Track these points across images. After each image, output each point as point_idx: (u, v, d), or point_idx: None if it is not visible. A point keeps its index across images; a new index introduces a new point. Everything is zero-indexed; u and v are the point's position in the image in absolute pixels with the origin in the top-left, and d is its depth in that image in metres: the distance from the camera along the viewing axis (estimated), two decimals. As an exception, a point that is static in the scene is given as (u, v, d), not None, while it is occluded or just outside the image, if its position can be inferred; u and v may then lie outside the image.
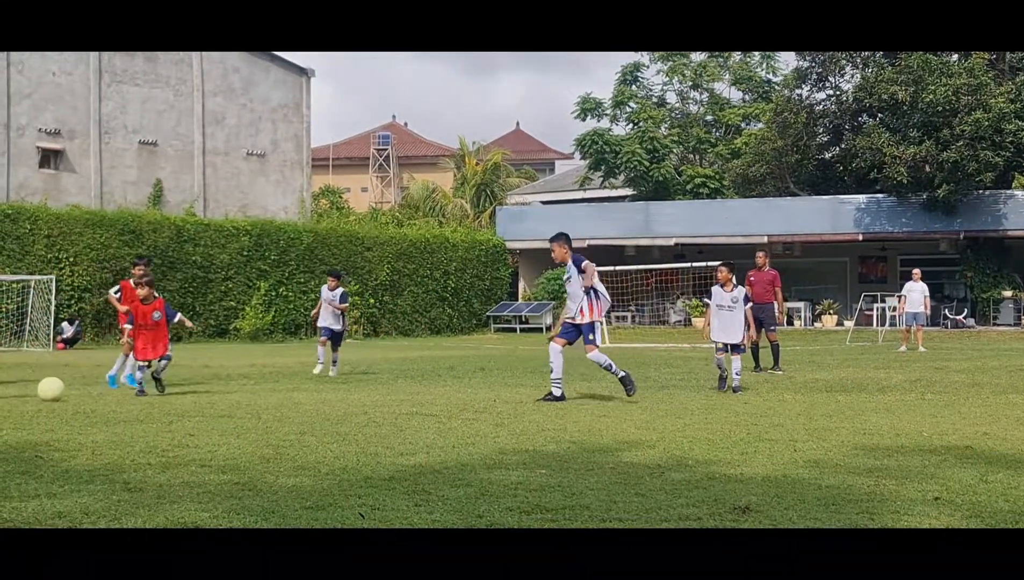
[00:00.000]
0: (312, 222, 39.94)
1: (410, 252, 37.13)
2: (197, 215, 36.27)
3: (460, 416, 10.67)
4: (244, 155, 41.84)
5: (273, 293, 32.66)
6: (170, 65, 39.59)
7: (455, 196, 55.61)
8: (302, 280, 33.59)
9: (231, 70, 41.39)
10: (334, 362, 17.00)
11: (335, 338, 17.14)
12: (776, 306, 18.00)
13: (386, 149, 69.34)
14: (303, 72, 43.80)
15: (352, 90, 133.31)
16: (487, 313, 39.43)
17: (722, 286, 13.85)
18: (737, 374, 13.72)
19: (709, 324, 14.15)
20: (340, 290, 17.41)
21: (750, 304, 14.17)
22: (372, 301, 34.97)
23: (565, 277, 12.78)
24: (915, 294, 25.11)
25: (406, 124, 79.26)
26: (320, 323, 17.24)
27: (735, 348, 13.70)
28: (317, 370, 16.92)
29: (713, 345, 14.04)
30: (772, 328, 17.68)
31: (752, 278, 17.90)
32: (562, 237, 12.66)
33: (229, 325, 31.99)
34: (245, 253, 32.56)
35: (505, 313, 38.99)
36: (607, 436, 9.11)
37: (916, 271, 25.76)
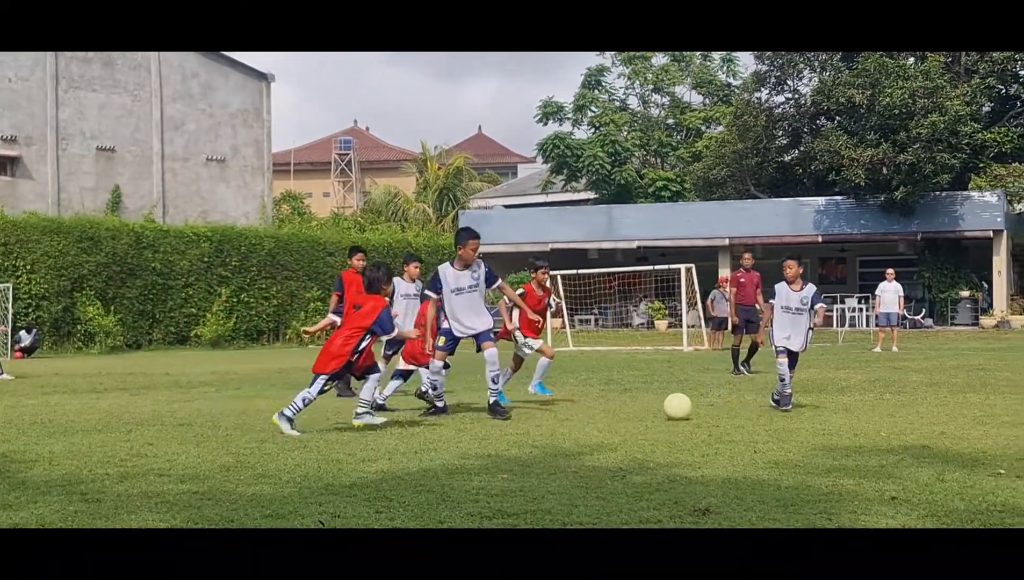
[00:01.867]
0: (273, 228, 39.74)
1: (373, 257, 37.01)
2: (156, 221, 35.99)
3: (423, 421, 10.66)
4: (204, 161, 41.57)
5: (234, 299, 32.45)
6: (128, 70, 39.26)
7: (417, 200, 55.54)
8: (264, 286, 33.42)
9: (189, 75, 41.11)
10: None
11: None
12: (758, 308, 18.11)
13: (348, 154, 69.17)
14: (263, 77, 43.57)
15: (313, 94, 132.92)
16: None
17: (789, 284, 11.76)
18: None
19: (770, 325, 12.13)
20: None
21: (821, 305, 11.93)
22: (334, 306, 34.84)
23: (473, 279, 11.59)
24: (889, 294, 25.29)
25: (368, 129, 79.09)
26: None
27: (795, 357, 11.76)
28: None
29: (775, 351, 11.80)
30: (757, 330, 17.70)
31: (743, 279, 18.03)
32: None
33: (190, 332, 31.76)
34: (206, 259, 32.33)
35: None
36: (569, 440, 9.12)
37: (890, 271, 25.95)
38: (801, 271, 11.94)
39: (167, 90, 40.38)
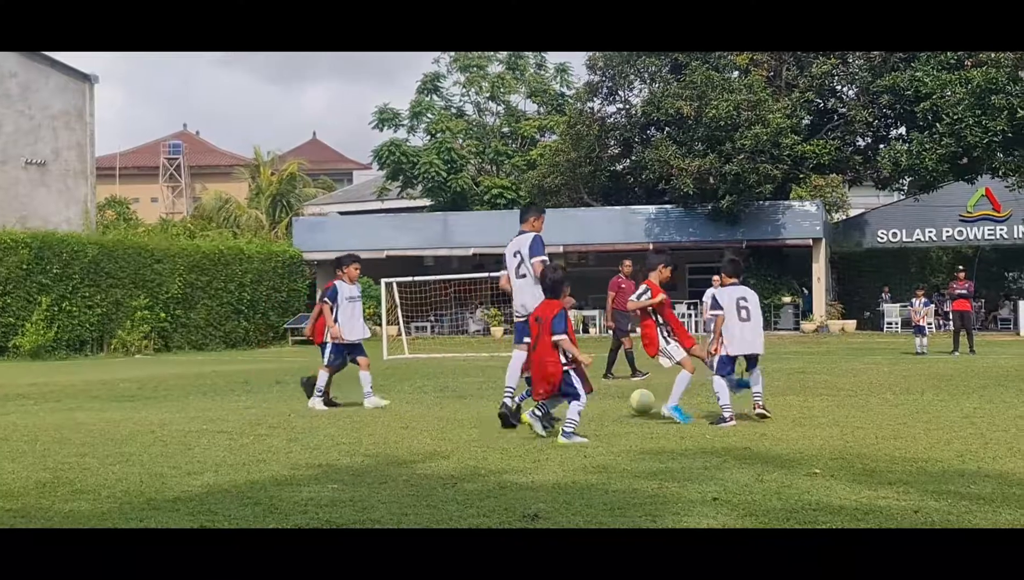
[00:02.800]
0: (98, 234, 38.33)
1: (203, 264, 36.11)
2: (-29, 227, 34.25)
3: (252, 432, 10.44)
4: (23, 164, 39.80)
5: (56, 308, 31.15)
6: (-60, 68, 37.33)
7: (250, 207, 54.58)
8: (87, 294, 32.18)
9: (7, 75, 39.32)
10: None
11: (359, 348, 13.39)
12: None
13: (177, 158, 67.43)
14: (86, 78, 42.02)
15: (141, 97, 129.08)
16: (284, 325, 38.76)
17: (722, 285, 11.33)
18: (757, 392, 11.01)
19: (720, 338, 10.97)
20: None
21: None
22: (163, 315, 33.84)
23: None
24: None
25: (198, 133, 77.34)
26: (348, 337, 13.03)
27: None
28: (383, 402, 13.07)
29: (714, 365, 11.12)
30: (627, 334, 17.91)
31: (623, 285, 18.25)
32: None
33: (8, 342, 30.34)
34: (24, 267, 30.93)
35: (303, 325, 38.26)
36: (402, 448, 9.08)
37: (716, 278, 26.48)
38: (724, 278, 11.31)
39: (-18, 90, 38.55)
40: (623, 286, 18.36)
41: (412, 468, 7.95)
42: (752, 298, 11.01)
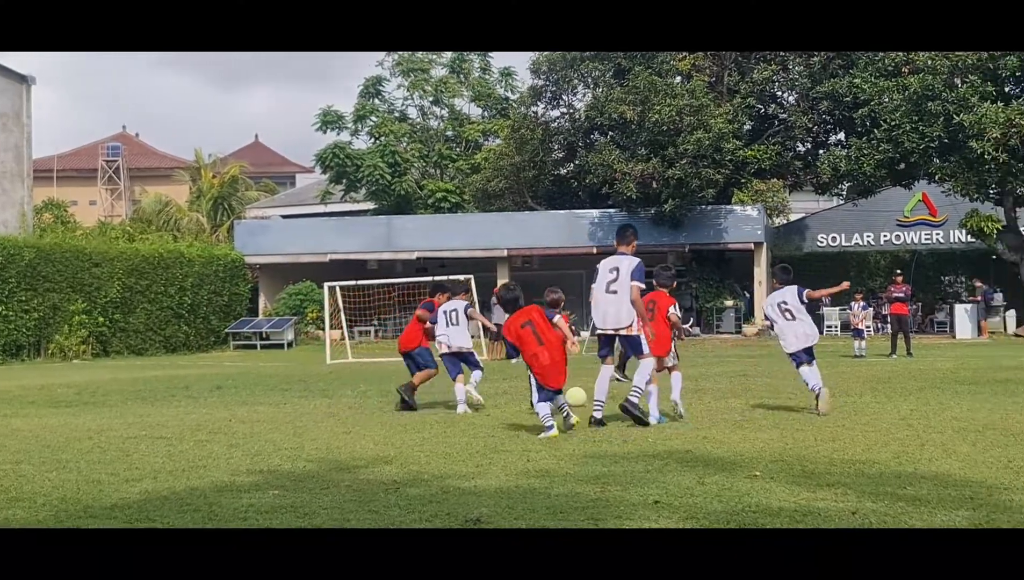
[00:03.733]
0: (35, 237, 37.63)
1: (143, 268, 35.60)
2: (-97, 230, 33.55)
3: (192, 438, 10.34)
4: (-43, 165, 39.07)
5: (-9, 313, 30.58)
6: None
7: (191, 210, 53.97)
8: (23, 298, 31.58)
9: (-58, 75, 38.59)
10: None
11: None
12: None
13: (116, 161, 66.48)
14: (23, 79, 41.30)
15: (79, 98, 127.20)
16: (226, 330, 38.37)
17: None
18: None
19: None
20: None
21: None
22: (102, 319, 33.31)
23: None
24: None
25: (138, 135, 76.35)
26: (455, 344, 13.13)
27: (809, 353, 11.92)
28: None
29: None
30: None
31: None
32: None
33: (-59, 348, 29.75)
34: (-41, 270, 30.35)
35: (245, 329, 38.08)
36: (344, 453, 9.04)
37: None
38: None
39: (-85, 89, 37.75)
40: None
41: (354, 473, 7.91)
42: (792, 299, 12.01)
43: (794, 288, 12.10)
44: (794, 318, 11.91)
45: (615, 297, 10.77)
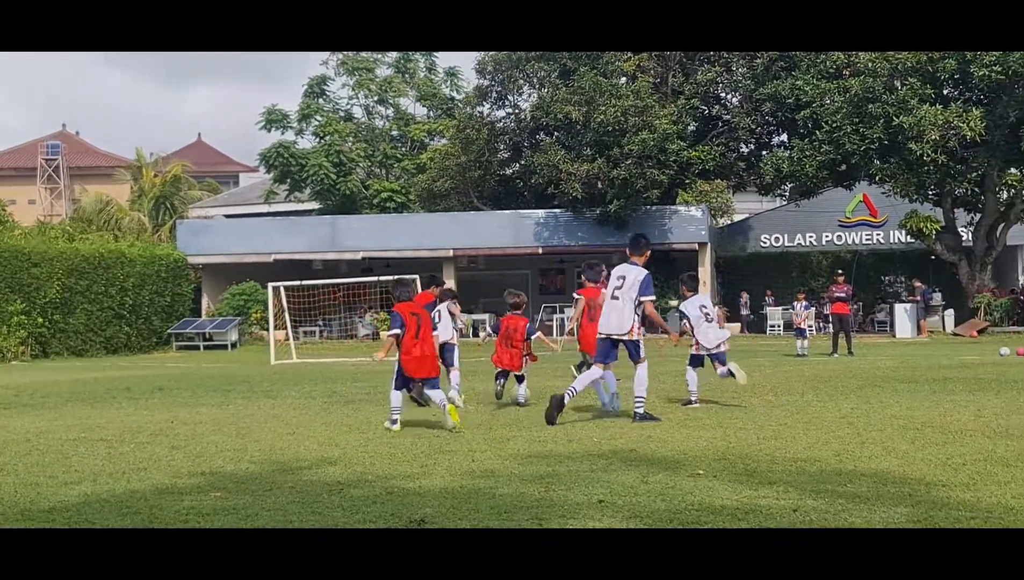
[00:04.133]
0: (-29, 236, 36.95)
1: (83, 268, 35.07)
2: None
3: (133, 440, 10.20)
4: None
5: (-74, 314, 30.00)
6: None
7: (132, 209, 53.34)
8: (-40, 299, 31.06)
9: None
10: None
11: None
12: None
13: (56, 159, 65.53)
14: (-41, 75, 40.60)
15: (17, 96, 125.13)
16: (168, 330, 37.93)
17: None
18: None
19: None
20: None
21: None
22: (41, 320, 32.79)
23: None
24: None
25: (78, 133, 75.25)
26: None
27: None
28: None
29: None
30: None
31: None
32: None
33: None
34: None
35: (188, 330, 37.66)
36: (288, 454, 8.97)
37: None
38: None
39: None
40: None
41: (298, 475, 7.85)
42: (708, 305, 13.40)
43: (706, 295, 13.76)
44: (709, 322, 13.12)
45: (617, 303, 11.18)
